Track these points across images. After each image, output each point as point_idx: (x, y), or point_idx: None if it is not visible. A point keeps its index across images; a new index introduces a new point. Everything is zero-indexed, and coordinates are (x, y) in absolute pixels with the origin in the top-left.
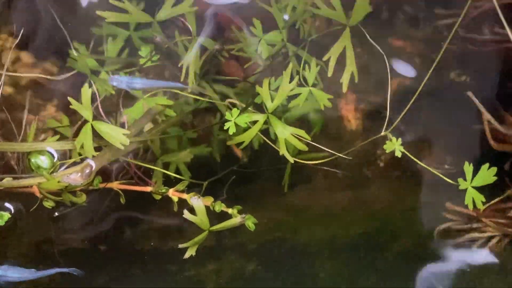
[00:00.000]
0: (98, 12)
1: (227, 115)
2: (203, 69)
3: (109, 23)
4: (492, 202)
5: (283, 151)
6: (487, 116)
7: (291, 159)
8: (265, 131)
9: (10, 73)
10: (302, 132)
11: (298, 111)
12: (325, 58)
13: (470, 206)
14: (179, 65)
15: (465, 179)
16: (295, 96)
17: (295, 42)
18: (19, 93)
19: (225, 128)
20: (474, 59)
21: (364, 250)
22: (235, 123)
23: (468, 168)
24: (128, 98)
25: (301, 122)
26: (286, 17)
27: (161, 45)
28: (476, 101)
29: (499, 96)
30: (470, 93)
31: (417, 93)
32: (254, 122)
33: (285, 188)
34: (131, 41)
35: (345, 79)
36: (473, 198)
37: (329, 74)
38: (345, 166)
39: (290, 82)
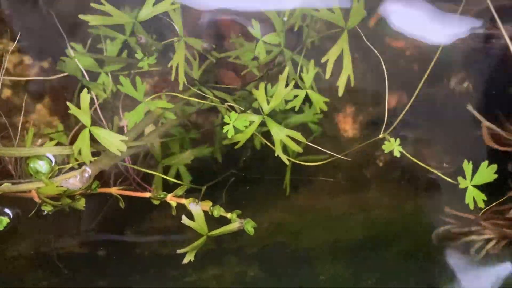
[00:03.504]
0: (81, 16)
1: (226, 119)
2: (202, 78)
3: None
4: (492, 205)
5: (278, 152)
6: (486, 123)
7: (287, 161)
8: (267, 135)
9: (7, 77)
10: (297, 135)
11: (297, 119)
12: (322, 61)
13: (471, 205)
14: (168, 66)
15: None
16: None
17: (292, 47)
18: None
19: (224, 131)
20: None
21: (365, 253)
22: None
23: (468, 166)
24: (126, 101)
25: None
26: (284, 18)
27: (147, 46)
28: (475, 112)
29: (499, 100)
30: (470, 107)
31: (415, 95)
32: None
33: (287, 191)
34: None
35: (341, 83)
36: (474, 197)
37: (327, 76)
38: (344, 169)
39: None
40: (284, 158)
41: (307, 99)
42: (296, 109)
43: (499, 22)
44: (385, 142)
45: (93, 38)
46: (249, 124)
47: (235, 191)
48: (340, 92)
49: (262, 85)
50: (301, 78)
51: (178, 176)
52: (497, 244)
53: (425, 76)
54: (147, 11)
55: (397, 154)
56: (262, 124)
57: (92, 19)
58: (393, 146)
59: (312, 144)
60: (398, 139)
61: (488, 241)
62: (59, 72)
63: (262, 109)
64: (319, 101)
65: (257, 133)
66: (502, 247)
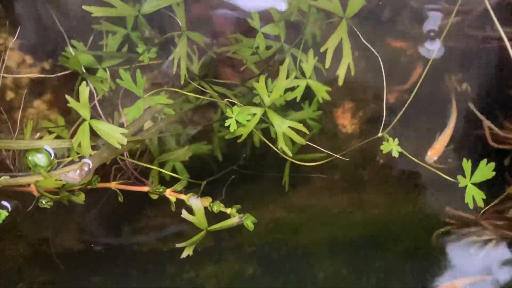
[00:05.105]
0: (84, 7)
1: (228, 112)
2: (202, 72)
3: (107, 20)
4: (491, 204)
5: (281, 144)
6: (487, 123)
7: (290, 153)
8: (265, 133)
9: (7, 75)
10: (300, 126)
11: (297, 115)
12: (322, 50)
13: (471, 204)
14: (170, 59)
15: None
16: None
17: (292, 41)
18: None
19: (225, 125)
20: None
21: (364, 251)
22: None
23: (467, 164)
24: (126, 97)
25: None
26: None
27: (150, 40)
28: (477, 112)
29: (498, 100)
30: (471, 105)
31: (413, 94)
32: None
33: (286, 188)
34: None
35: (341, 72)
36: (473, 195)
37: (326, 65)
38: (344, 168)
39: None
40: (288, 151)
41: (306, 97)
42: (298, 99)
43: (497, 23)
44: (384, 142)
45: (94, 34)
46: (251, 117)
47: (233, 188)
48: (340, 81)
49: (262, 78)
50: (301, 72)
51: (175, 174)
52: (497, 244)
53: (424, 74)
54: (151, 4)
55: (395, 154)
56: (261, 121)
57: (95, 10)
58: (392, 146)
59: (312, 144)
60: (396, 139)
61: (487, 241)
62: (59, 69)
63: (263, 102)
64: (321, 90)
65: (255, 130)
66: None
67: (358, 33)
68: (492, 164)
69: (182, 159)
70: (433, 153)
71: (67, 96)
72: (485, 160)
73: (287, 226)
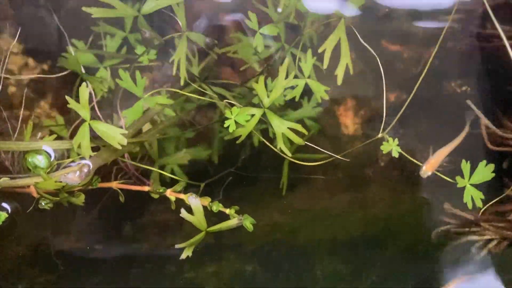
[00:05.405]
0: (84, 8)
1: (227, 113)
2: (202, 74)
3: (106, 22)
4: (490, 203)
5: (280, 145)
6: (485, 121)
7: (289, 153)
8: (264, 133)
9: (8, 76)
10: (298, 126)
11: (296, 114)
12: (320, 50)
13: (469, 205)
14: (170, 61)
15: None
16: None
17: (291, 41)
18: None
19: (225, 126)
20: (474, 60)
21: (363, 252)
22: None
23: (466, 166)
24: (125, 98)
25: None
26: (279, 9)
27: (151, 40)
28: (475, 108)
29: (497, 99)
30: (469, 101)
31: (412, 94)
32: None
33: (284, 188)
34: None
35: (339, 72)
36: (472, 196)
37: (324, 66)
38: (343, 167)
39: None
40: (287, 151)
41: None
42: (297, 99)
43: (496, 22)
44: (384, 143)
45: (94, 34)
46: (250, 118)
47: (232, 189)
48: (339, 81)
49: (261, 78)
50: (301, 71)
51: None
52: (498, 244)
53: (423, 75)
54: (151, 4)
55: (395, 154)
56: (261, 121)
57: (95, 11)
58: (392, 146)
59: (311, 144)
60: (396, 139)
61: (489, 241)
62: (59, 69)
63: (262, 103)
64: (320, 89)
65: (255, 131)
66: (504, 248)
67: (357, 33)
68: (491, 166)
69: (181, 162)
70: (428, 168)
71: (67, 97)
72: (484, 161)
73: (286, 226)
